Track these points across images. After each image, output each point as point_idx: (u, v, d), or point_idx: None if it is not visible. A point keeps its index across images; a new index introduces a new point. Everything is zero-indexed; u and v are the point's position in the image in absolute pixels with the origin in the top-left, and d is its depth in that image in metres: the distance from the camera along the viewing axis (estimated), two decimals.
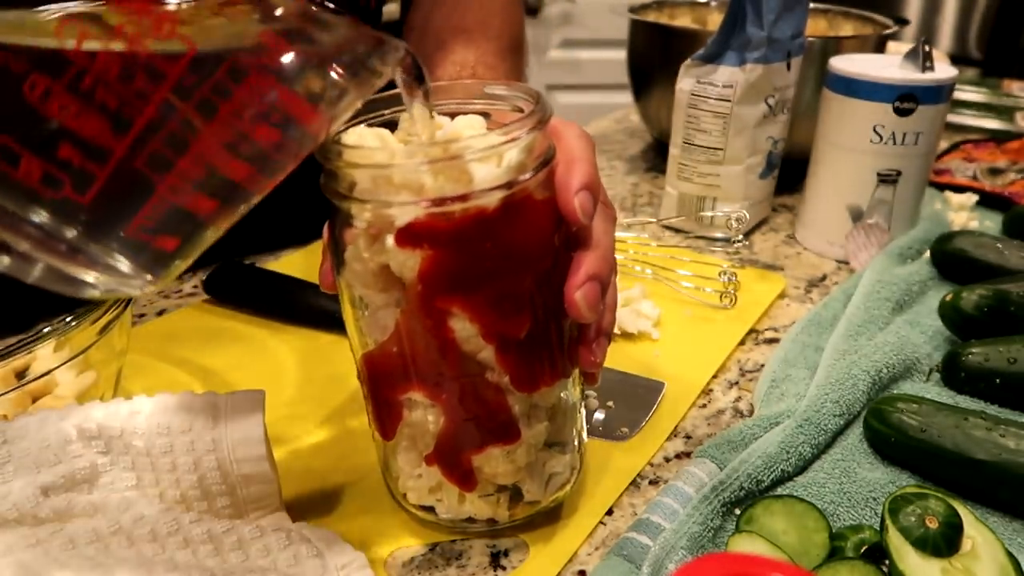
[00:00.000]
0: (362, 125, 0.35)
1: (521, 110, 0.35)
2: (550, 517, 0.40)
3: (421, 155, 0.31)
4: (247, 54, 0.27)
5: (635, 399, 0.50)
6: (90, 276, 0.28)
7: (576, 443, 0.40)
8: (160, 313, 0.58)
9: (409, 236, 0.31)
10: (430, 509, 0.39)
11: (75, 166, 0.26)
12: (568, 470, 0.40)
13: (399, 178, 0.31)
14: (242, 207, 0.29)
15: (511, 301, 0.33)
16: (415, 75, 0.31)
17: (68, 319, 0.38)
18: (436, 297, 0.32)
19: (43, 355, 0.38)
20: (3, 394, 0.37)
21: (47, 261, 0.27)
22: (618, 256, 0.67)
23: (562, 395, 0.38)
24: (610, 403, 0.49)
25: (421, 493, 0.38)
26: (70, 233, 0.27)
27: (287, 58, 0.27)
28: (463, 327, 0.33)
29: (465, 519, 0.39)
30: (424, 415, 0.36)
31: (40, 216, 0.26)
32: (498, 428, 0.36)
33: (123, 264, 0.28)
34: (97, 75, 0.25)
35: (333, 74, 0.28)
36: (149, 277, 0.29)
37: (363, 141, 0.33)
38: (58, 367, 0.39)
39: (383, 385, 0.36)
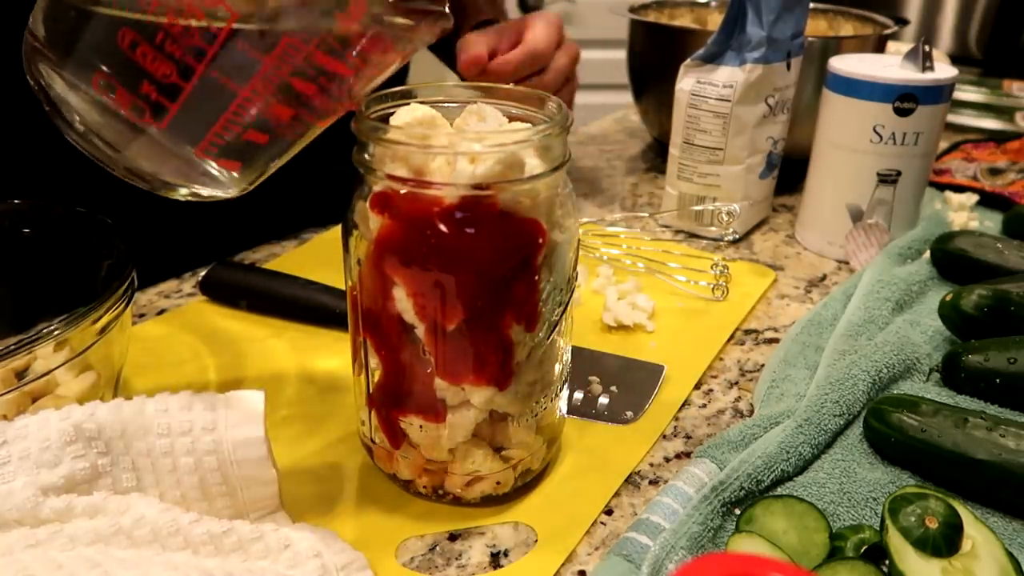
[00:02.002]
0: (424, 106, 0.38)
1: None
2: (558, 505, 0.41)
3: (405, 137, 0.35)
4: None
5: (637, 383, 0.51)
6: (180, 183, 0.36)
7: (518, 454, 0.41)
8: (160, 313, 0.58)
9: (375, 201, 0.36)
10: (370, 451, 0.42)
11: (152, 99, 0.33)
12: (497, 475, 0.40)
13: (402, 153, 0.35)
14: (292, 144, 0.37)
15: (445, 292, 0.35)
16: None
17: (68, 319, 0.38)
18: (385, 263, 0.36)
19: (43, 355, 0.38)
20: (3, 394, 0.37)
21: (150, 169, 0.35)
22: (613, 251, 0.68)
23: (501, 402, 0.38)
24: (613, 388, 0.51)
25: (367, 429, 0.42)
26: (155, 147, 0.34)
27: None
28: (401, 298, 0.36)
29: (394, 475, 0.41)
30: (373, 360, 0.39)
31: (129, 133, 0.34)
32: (423, 402, 0.38)
33: (202, 175, 0.36)
34: (166, 32, 0.32)
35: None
36: (220, 189, 0.37)
37: (407, 117, 0.37)
38: (58, 367, 0.39)
39: (353, 324, 0.40)
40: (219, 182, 0.37)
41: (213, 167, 0.36)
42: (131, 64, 0.32)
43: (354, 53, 0.34)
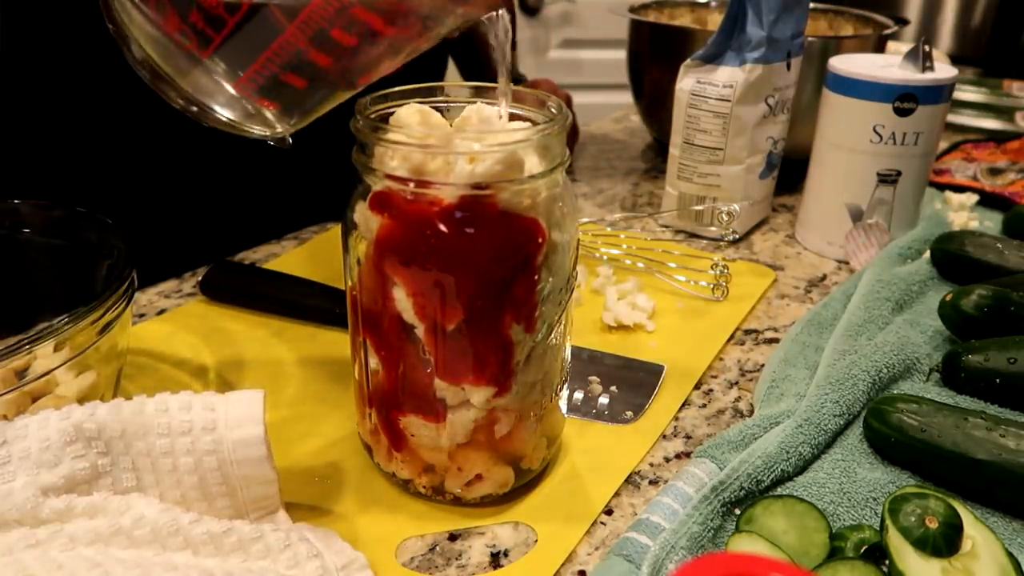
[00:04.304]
0: (424, 106, 0.38)
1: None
2: (558, 505, 0.41)
3: (405, 137, 0.35)
4: None
5: (637, 383, 0.51)
6: (222, 111, 0.37)
7: (521, 460, 0.41)
8: (160, 313, 0.58)
9: (374, 201, 0.36)
10: (369, 449, 0.42)
11: (199, 28, 0.34)
12: (496, 475, 0.40)
13: (403, 152, 0.35)
14: (331, 94, 0.37)
15: (445, 291, 0.35)
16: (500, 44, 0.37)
17: (68, 319, 0.38)
18: (384, 262, 0.36)
19: (43, 355, 0.38)
20: (3, 394, 0.37)
21: (201, 99, 0.36)
22: (613, 251, 0.68)
23: (501, 402, 0.38)
24: (613, 388, 0.51)
25: (367, 429, 0.42)
26: (199, 76, 0.36)
27: None
28: (401, 298, 0.36)
29: (394, 474, 0.41)
30: (373, 360, 0.39)
31: (180, 59, 0.35)
32: (423, 402, 0.38)
33: (249, 111, 0.37)
34: None
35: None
36: (263, 127, 0.38)
37: (406, 117, 0.37)
38: (58, 367, 0.39)
39: (353, 324, 0.40)
40: (264, 120, 0.37)
41: (252, 104, 0.36)
42: None
43: (402, 17, 0.34)
